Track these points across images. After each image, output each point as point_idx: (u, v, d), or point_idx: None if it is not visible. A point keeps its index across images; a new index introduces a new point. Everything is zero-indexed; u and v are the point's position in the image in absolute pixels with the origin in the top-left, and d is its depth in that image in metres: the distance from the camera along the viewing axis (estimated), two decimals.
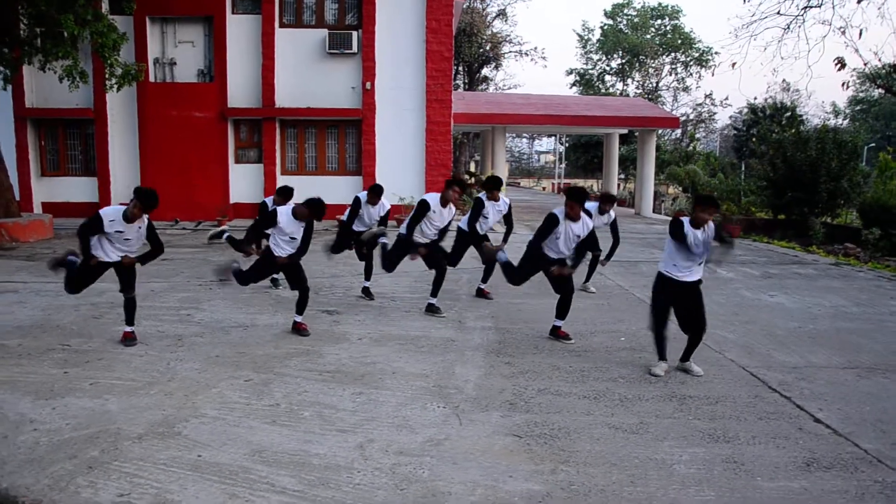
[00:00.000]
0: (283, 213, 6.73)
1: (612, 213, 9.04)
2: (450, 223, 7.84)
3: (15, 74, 14.39)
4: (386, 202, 8.55)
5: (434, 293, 7.86)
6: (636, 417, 4.87)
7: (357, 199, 8.51)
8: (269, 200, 8.96)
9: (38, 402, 4.88)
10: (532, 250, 6.89)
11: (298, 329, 6.92)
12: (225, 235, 8.06)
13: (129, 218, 6.06)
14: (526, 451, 4.28)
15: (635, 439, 4.49)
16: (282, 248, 6.79)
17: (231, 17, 18.06)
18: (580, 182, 48.93)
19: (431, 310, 7.82)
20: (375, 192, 8.44)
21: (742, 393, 5.45)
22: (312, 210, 6.60)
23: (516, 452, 4.26)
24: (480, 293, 8.85)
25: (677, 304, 5.85)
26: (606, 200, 9.01)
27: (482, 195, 8.37)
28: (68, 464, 3.91)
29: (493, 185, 8.40)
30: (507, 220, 8.47)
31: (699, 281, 5.83)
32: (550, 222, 6.63)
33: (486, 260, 8.39)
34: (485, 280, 8.85)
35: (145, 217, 6.21)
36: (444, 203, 7.64)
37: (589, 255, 8.99)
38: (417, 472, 3.95)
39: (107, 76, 14.25)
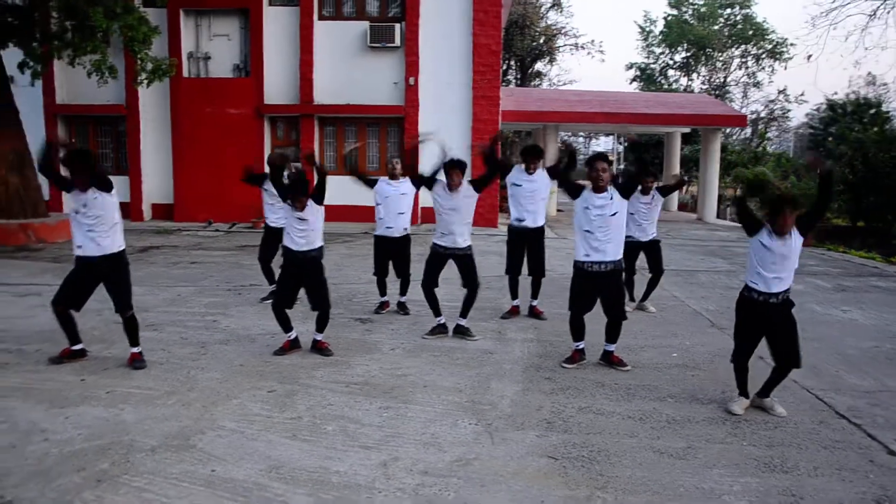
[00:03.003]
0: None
1: (656, 193, 8.60)
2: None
3: (45, 70, 14.85)
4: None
5: (463, 313, 7.43)
6: (684, 441, 4.76)
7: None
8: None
9: (52, 410, 5.01)
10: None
11: (319, 348, 6.67)
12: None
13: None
14: (561, 474, 4.21)
15: (682, 465, 4.38)
16: (294, 239, 6.48)
17: (268, 9, 18.35)
18: None
19: (461, 332, 7.41)
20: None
21: (804, 418, 5.27)
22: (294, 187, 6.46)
23: (550, 476, 4.19)
24: (532, 311, 8.41)
25: (761, 325, 5.33)
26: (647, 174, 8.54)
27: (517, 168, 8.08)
28: (76, 476, 3.99)
29: (530, 154, 7.92)
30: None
31: (787, 300, 5.27)
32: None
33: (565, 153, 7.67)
34: (534, 296, 8.38)
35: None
36: (451, 188, 7.19)
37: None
38: (442, 495, 3.92)
39: (137, 71, 14.59)
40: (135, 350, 6.16)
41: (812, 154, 6.19)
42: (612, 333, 6.43)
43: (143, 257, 12.44)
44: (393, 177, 8.21)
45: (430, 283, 7.40)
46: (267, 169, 8.64)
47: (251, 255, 12.41)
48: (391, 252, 8.31)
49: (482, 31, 18.08)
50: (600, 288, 6.32)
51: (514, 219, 8.22)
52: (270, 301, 7.59)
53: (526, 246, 8.23)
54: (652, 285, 8.92)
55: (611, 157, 7.01)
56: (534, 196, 8.02)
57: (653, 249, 8.74)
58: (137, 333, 6.20)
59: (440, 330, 7.43)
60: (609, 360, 6.47)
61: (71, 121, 18.93)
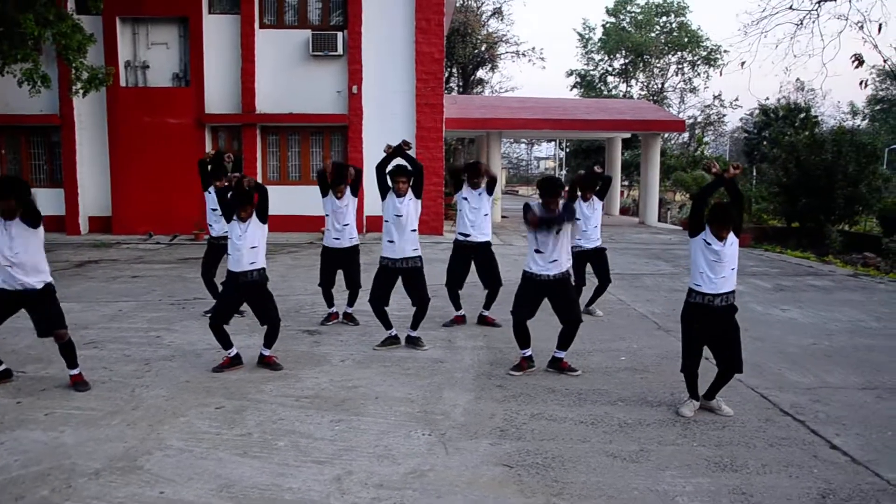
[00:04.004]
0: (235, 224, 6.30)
1: (597, 202, 8.64)
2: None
3: None
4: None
5: (414, 326, 7.37)
6: (636, 444, 4.80)
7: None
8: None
9: None
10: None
11: (267, 363, 6.51)
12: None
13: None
14: (516, 482, 4.21)
15: (635, 468, 4.42)
16: (236, 258, 6.28)
17: (208, 17, 18.02)
18: None
19: (411, 342, 7.35)
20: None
21: (751, 417, 5.38)
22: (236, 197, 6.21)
23: (505, 484, 4.18)
24: (483, 321, 8.37)
25: (707, 332, 5.38)
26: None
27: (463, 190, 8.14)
28: None
29: (471, 171, 8.08)
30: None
31: (731, 305, 5.32)
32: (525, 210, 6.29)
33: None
34: (487, 306, 8.36)
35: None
36: (398, 194, 7.16)
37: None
38: None
39: (72, 80, 14.15)
40: (73, 372, 5.86)
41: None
42: (566, 340, 6.40)
43: (81, 272, 12.08)
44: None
45: (379, 300, 7.23)
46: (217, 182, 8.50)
47: (194, 268, 12.15)
48: (339, 262, 8.21)
49: (425, 39, 18.10)
50: (550, 294, 6.34)
51: (459, 233, 8.22)
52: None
53: (475, 260, 8.21)
54: (598, 292, 9.01)
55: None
56: (478, 211, 8.03)
57: (599, 258, 8.83)
58: (75, 354, 5.88)
59: (392, 341, 7.35)
60: (558, 366, 6.47)
61: (1, 131, 18.27)
